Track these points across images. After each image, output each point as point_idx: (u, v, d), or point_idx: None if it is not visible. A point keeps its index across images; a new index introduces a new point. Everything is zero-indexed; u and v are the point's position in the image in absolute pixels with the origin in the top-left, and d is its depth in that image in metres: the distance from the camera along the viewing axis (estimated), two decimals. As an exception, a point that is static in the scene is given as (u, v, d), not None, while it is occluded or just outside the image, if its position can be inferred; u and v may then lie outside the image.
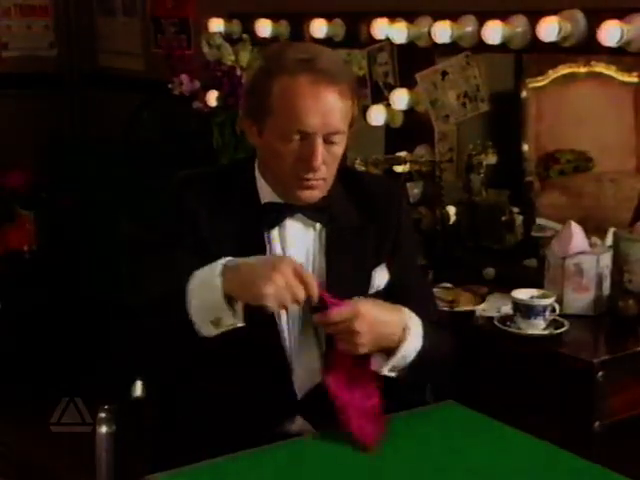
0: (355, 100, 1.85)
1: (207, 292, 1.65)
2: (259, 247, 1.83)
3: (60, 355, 4.19)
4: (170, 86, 3.58)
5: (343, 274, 1.87)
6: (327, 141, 1.79)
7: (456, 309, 2.45)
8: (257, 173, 1.89)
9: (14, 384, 4.04)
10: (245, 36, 3.50)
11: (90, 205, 4.46)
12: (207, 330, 1.66)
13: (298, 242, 1.87)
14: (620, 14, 2.52)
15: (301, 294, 1.64)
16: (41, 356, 4.21)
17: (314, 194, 1.83)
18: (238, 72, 3.39)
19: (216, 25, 3.73)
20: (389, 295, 1.92)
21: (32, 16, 4.92)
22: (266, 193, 1.87)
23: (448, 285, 2.61)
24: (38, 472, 3.48)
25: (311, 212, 1.86)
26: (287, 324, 1.85)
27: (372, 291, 1.91)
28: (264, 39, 3.54)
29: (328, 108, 1.77)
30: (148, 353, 1.81)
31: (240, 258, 1.69)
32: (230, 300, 1.65)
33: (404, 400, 1.90)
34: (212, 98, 3.48)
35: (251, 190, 1.88)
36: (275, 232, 1.86)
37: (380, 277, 1.92)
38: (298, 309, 1.82)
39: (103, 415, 1.92)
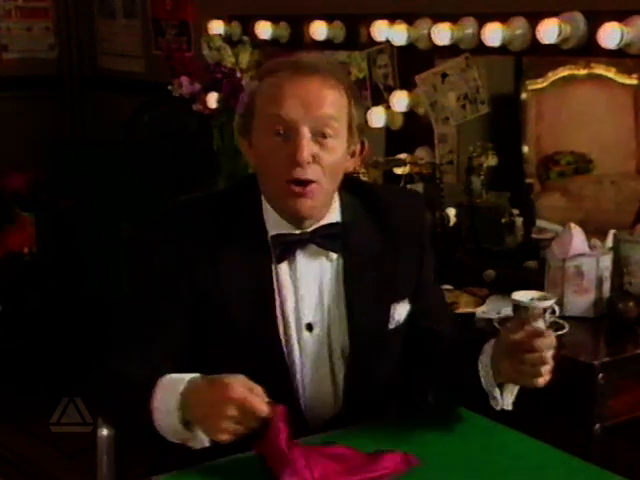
0: (352, 100, 1.71)
1: (168, 418, 1.57)
2: (267, 284, 1.72)
3: (60, 355, 4.19)
4: (170, 88, 3.58)
5: (362, 307, 1.76)
6: (317, 134, 1.66)
7: (456, 311, 2.45)
8: (263, 200, 1.74)
9: (14, 384, 4.05)
10: (245, 38, 3.50)
11: (90, 207, 4.46)
12: (174, 440, 1.61)
13: (310, 275, 1.75)
14: (620, 16, 2.52)
15: (252, 423, 1.52)
16: (41, 357, 4.21)
17: (307, 204, 1.67)
18: (238, 74, 3.39)
19: (216, 27, 3.73)
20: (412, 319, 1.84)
21: (32, 18, 4.92)
22: (273, 223, 1.73)
23: (448, 287, 2.61)
24: (38, 472, 3.48)
25: (323, 240, 1.73)
26: (299, 360, 1.76)
27: (392, 326, 1.81)
28: (264, 41, 3.54)
29: (311, 96, 1.65)
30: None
31: (196, 386, 1.57)
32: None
33: (405, 402, 1.90)
34: (212, 100, 3.48)
35: (257, 221, 1.73)
36: (284, 266, 1.73)
37: (401, 310, 1.81)
38: (311, 344, 1.75)
39: (104, 417, 1.92)
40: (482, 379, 1.69)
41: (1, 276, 4.41)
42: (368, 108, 3.23)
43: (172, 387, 1.58)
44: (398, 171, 3.09)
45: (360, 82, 3.29)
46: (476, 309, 2.46)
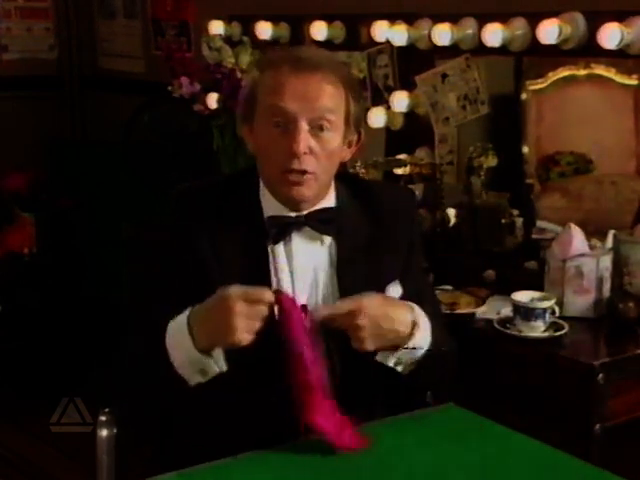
0: (350, 94, 1.78)
1: (183, 350, 1.65)
2: (263, 263, 1.78)
3: (60, 355, 4.19)
4: (170, 88, 3.58)
5: (355, 290, 1.77)
6: (314, 127, 1.73)
7: (456, 311, 2.45)
8: (261, 184, 1.83)
9: (14, 384, 4.05)
10: (245, 38, 3.50)
11: (90, 207, 4.46)
12: (196, 379, 1.67)
13: (305, 257, 1.81)
14: (620, 16, 2.52)
15: (263, 312, 1.60)
16: (41, 357, 4.22)
17: (302, 191, 1.75)
18: (238, 74, 3.39)
19: (216, 27, 3.74)
20: None
21: (32, 18, 4.92)
22: (270, 205, 1.81)
23: (448, 287, 2.61)
24: (38, 472, 3.48)
25: (318, 224, 1.80)
26: None
27: None
28: (264, 41, 3.55)
29: (310, 90, 1.72)
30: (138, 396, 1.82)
31: (198, 306, 1.66)
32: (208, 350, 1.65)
33: (404, 402, 1.90)
34: (212, 100, 3.48)
35: (254, 203, 1.82)
36: (280, 247, 1.80)
37: (394, 293, 1.85)
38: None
39: (104, 418, 1.92)
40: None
41: (1, 276, 4.41)
42: (368, 109, 3.23)
43: (177, 321, 1.66)
44: (398, 171, 3.09)
45: (360, 82, 3.29)
46: (476, 309, 2.46)
